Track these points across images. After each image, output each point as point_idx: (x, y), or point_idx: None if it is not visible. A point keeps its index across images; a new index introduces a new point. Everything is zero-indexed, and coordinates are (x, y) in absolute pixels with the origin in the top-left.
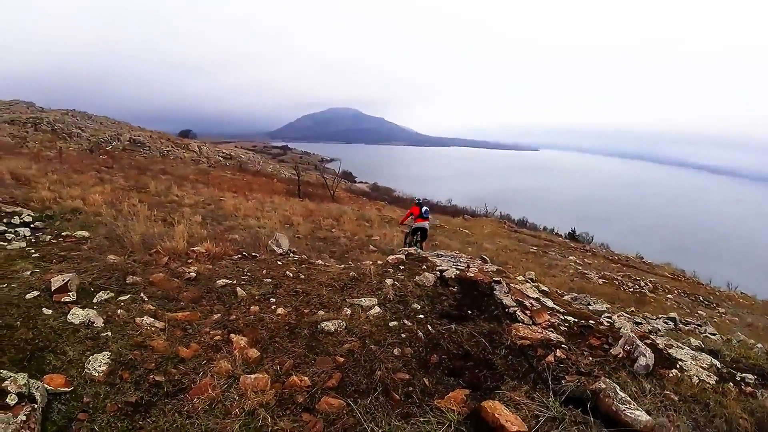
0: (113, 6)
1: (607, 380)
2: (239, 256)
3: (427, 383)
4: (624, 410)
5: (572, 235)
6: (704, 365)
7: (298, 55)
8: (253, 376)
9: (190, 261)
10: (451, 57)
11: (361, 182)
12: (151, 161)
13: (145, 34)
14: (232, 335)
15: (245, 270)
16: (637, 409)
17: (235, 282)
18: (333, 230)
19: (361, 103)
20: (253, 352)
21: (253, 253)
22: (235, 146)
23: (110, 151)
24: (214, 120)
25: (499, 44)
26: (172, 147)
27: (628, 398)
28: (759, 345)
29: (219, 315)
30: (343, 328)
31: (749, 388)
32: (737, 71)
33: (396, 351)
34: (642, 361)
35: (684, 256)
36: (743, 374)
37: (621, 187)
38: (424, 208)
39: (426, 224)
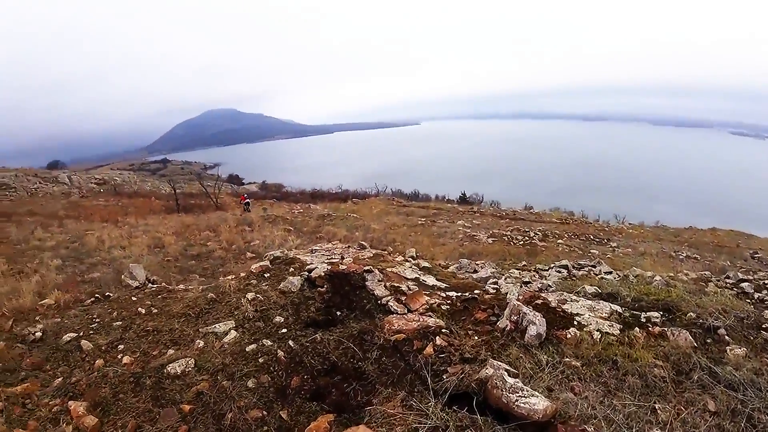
0: None
1: (495, 362)
2: (92, 299)
3: (284, 417)
4: (516, 401)
5: (463, 198)
6: (604, 314)
7: (166, 60)
8: None
9: (37, 317)
10: (318, 43)
11: (250, 183)
12: (19, 203)
13: None
14: (71, 402)
15: (95, 316)
16: (533, 395)
17: (82, 333)
18: (208, 243)
19: (238, 101)
20: (90, 420)
21: (107, 293)
22: (111, 168)
23: None
24: (85, 142)
25: (350, 22)
26: (40, 183)
27: (520, 384)
28: (657, 277)
29: (61, 379)
30: (192, 366)
31: (657, 329)
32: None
33: (251, 383)
34: (532, 330)
35: (571, 197)
36: (648, 313)
37: (503, 145)
38: (246, 195)
39: (248, 200)
